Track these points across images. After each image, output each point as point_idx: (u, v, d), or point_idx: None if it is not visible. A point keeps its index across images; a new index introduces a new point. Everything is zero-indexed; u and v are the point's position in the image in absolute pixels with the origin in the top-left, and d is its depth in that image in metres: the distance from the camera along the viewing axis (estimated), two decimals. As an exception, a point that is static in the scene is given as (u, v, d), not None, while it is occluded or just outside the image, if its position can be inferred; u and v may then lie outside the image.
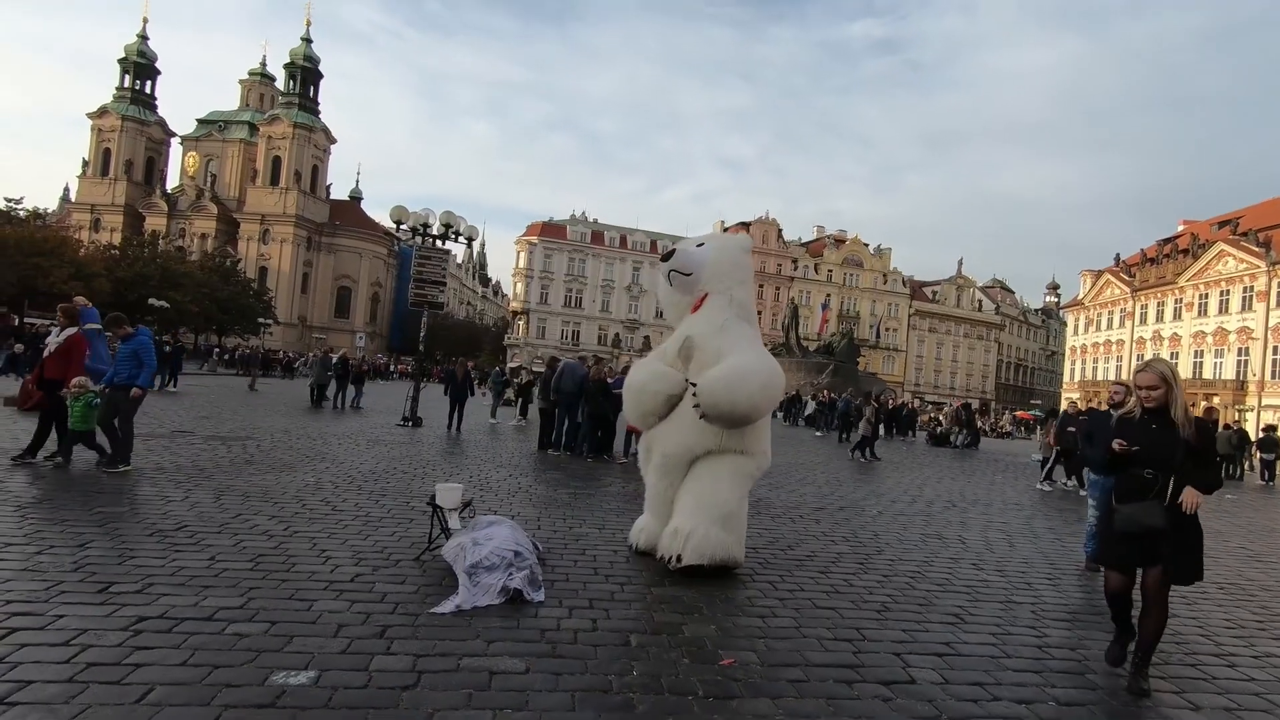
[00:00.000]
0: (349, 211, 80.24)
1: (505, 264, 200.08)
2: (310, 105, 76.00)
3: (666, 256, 5.51)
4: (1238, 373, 45.95)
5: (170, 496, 6.19)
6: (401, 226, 15.26)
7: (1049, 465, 13.52)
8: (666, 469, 5.27)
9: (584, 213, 79.65)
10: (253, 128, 75.76)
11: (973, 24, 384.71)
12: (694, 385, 4.99)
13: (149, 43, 76.28)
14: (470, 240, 16.18)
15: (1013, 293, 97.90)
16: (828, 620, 4.26)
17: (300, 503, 6.35)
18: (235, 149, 76.84)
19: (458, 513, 4.88)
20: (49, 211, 61.04)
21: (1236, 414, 43.52)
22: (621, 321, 76.42)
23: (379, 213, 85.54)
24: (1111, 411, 4.75)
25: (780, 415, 31.79)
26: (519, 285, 75.62)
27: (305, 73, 75.59)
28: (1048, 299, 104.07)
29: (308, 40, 76.15)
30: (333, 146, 78.80)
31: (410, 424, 15.11)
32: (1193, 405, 46.27)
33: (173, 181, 78.31)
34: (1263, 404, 43.48)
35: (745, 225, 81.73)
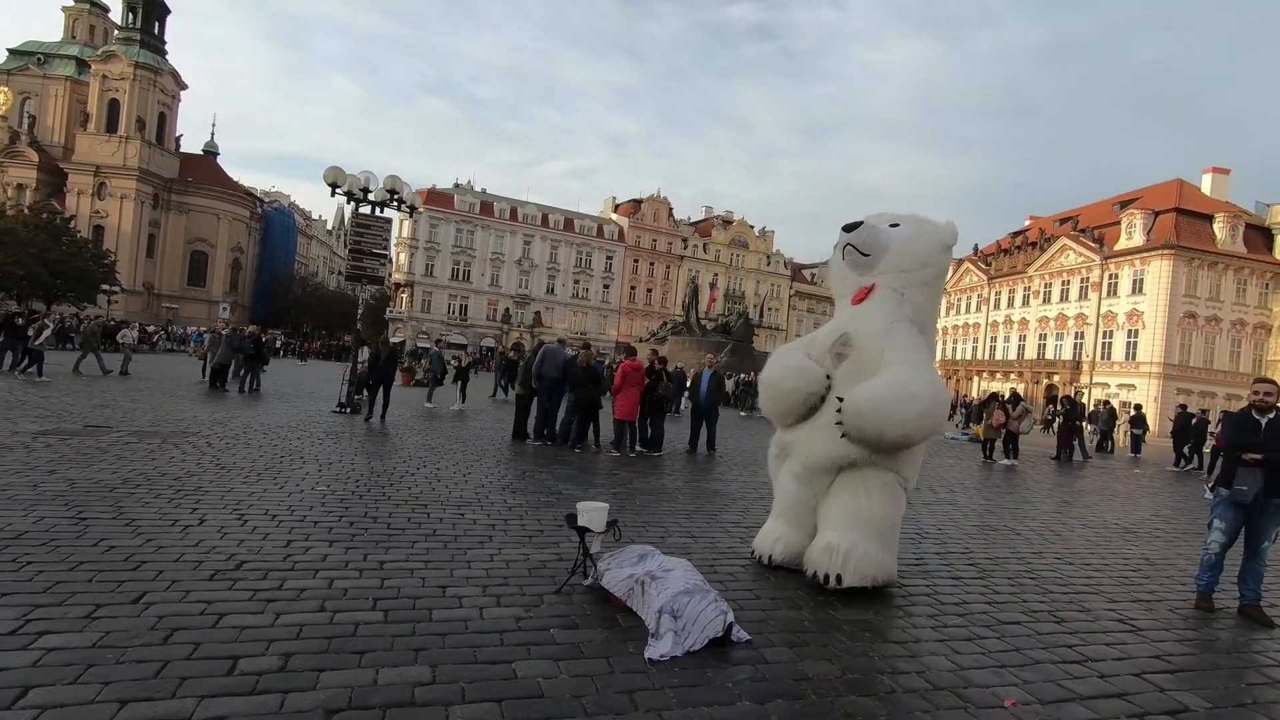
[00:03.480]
0: (204, 167, 71.71)
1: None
2: (155, 43, 66.65)
3: (850, 227, 4.90)
4: (1074, 354, 51.96)
5: (181, 519, 5.09)
6: (337, 190, 13.64)
7: (991, 446, 14.56)
8: (809, 477, 4.91)
9: (470, 181, 76.31)
10: (82, 64, 65.45)
11: (844, 18, 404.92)
12: (840, 399, 4.65)
13: (-60, -49, 63.69)
14: (414, 208, 14.78)
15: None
16: (1042, 640, 4.17)
17: (349, 524, 5.44)
18: (60, 87, 66.07)
19: (600, 536, 4.32)
20: None
21: (1073, 390, 49.29)
22: (512, 296, 74.25)
23: (237, 170, 77.21)
24: (1255, 416, 4.92)
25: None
26: (402, 256, 71.14)
27: (148, 5, 66.04)
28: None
29: (151, -33, 66.59)
30: (183, 93, 69.88)
31: (348, 411, 13.73)
32: (1036, 383, 51.76)
33: (-24, 120, 66.31)
34: (1094, 381, 49.52)
35: (638, 202, 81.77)
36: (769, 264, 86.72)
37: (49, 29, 69.54)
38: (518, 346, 16.52)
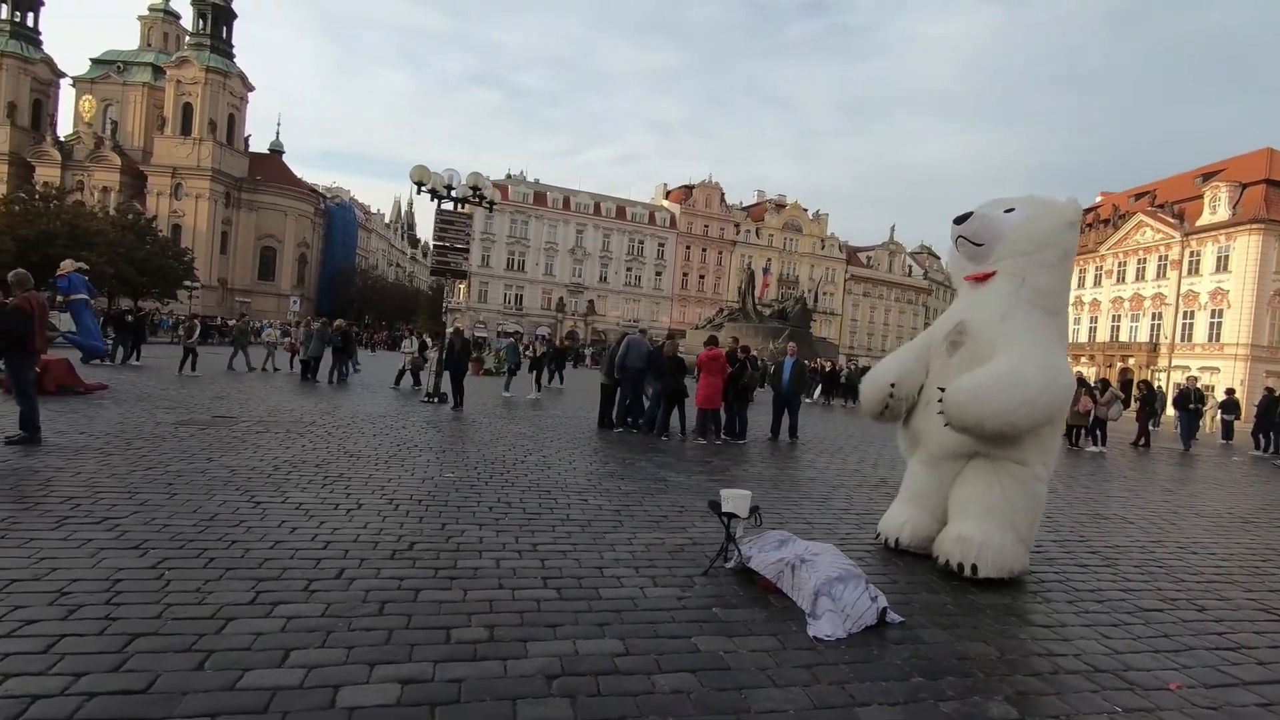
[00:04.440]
0: (271, 166, 74.56)
1: (432, 224, 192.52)
2: (223, 48, 69.46)
3: (961, 219, 4.96)
4: (1151, 336, 49.71)
5: (340, 503, 5.52)
6: (422, 188, 14.15)
7: (1077, 433, 14.23)
8: (936, 464, 5.03)
9: (522, 172, 77.19)
10: (158, 70, 68.72)
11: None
12: (941, 390, 4.75)
13: (28, -32, 67.55)
14: (492, 204, 15.21)
15: (939, 258, 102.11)
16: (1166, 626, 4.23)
17: (489, 509, 5.80)
18: (138, 94, 69.58)
19: (744, 521, 4.53)
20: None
21: (1150, 374, 47.22)
22: (565, 285, 75.11)
23: (300, 167, 79.97)
24: None
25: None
26: (432, 243, 72.49)
27: (216, 10, 68.79)
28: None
29: (218, -27, 69.30)
30: (249, 95, 72.67)
31: (437, 400, 14.30)
32: (1109, 367, 49.76)
33: (65, 128, 70.50)
34: (1173, 364, 47.33)
35: (689, 189, 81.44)
36: (823, 248, 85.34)
37: (127, 38, 72.89)
38: (572, 335, 16.86)
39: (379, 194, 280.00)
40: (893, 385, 5.12)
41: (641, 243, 78.04)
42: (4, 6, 66.54)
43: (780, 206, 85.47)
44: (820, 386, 25.78)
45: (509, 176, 75.91)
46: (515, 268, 73.40)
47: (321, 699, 2.68)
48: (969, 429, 4.55)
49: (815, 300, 79.13)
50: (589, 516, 5.73)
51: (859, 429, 16.05)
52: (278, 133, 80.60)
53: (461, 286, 73.09)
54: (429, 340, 30.45)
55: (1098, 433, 14.37)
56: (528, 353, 19.03)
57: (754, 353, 13.96)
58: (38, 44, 68.84)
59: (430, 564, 4.27)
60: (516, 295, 73.87)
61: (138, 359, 18.77)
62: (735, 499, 4.47)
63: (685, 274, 79.75)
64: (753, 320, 44.72)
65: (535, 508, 5.87)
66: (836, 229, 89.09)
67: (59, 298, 13.84)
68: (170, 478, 5.91)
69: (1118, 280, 52.84)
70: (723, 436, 11.37)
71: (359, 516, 5.20)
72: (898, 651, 3.51)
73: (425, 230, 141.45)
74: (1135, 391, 21.01)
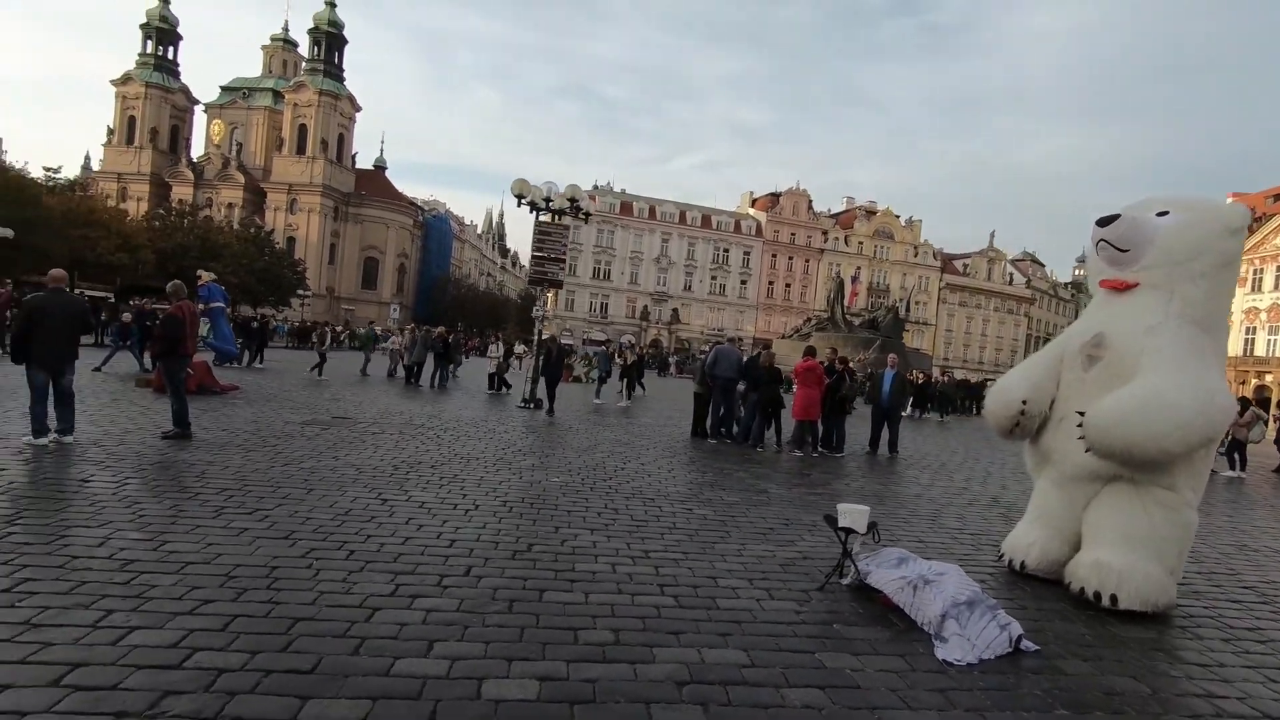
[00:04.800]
0: (375, 181, 79.00)
1: (522, 235, 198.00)
2: (335, 72, 74.30)
3: (1105, 221, 4.65)
4: (1293, 350, 45.14)
5: (458, 503, 5.77)
6: (522, 200, 14.65)
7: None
8: (1068, 485, 4.76)
9: (609, 183, 78.36)
10: (277, 95, 74.25)
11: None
12: (1080, 413, 4.47)
13: (170, 7, 74.50)
14: (588, 215, 15.57)
15: (1043, 266, 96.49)
16: (1335, 666, 3.83)
17: (597, 514, 5.92)
18: (260, 117, 75.39)
19: (861, 537, 4.44)
20: (75, 180, 60.24)
21: (1291, 392, 42.82)
22: (650, 294, 75.64)
23: (399, 181, 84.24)
24: None
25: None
26: (531, 254, 74.48)
27: (330, 38, 73.72)
28: (1078, 272, 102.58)
29: (331, 4, 74.16)
30: (357, 114, 77.35)
31: (532, 406, 14.70)
32: (1242, 383, 45.47)
33: (197, 150, 77.14)
34: (1319, 382, 42.77)
35: (775, 196, 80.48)
36: (916, 255, 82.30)
37: (251, 65, 79.25)
38: (656, 344, 16.95)
39: (472, 206, 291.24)
40: (1024, 403, 4.87)
41: (726, 251, 77.67)
42: (148, 42, 73.64)
43: (870, 213, 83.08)
44: (912, 399, 24.82)
45: (596, 187, 77.25)
46: (601, 276, 74.59)
47: (468, 690, 2.83)
48: (1114, 455, 4.28)
49: (907, 309, 76.28)
50: (695, 526, 5.75)
51: (960, 444, 15.38)
52: (381, 149, 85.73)
53: (549, 295, 75.08)
54: (520, 347, 31.46)
55: (1235, 455, 13.16)
56: (618, 360, 19.22)
57: (851, 364, 13.61)
58: (176, 74, 75.76)
59: (550, 566, 4.40)
60: (602, 304, 75.01)
61: (261, 362, 20.26)
62: (852, 514, 4.39)
63: (770, 283, 78.74)
64: (842, 330, 43.60)
65: (642, 515, 5.95)
66: (930, 235, 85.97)
67: (200, 305, 15.17)
68: (305, 474, 6.36)
69: (1253, 289, 48.33)
70: (819, 449, 11.15)
71: (477, 517, 5.42)
72: (1037, 681, 3.35)
73: (514, 241, 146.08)
74: (1275, 411, 19.12)
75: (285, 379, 16.71)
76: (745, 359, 11.81)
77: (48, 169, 42.62)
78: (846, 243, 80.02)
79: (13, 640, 2.89)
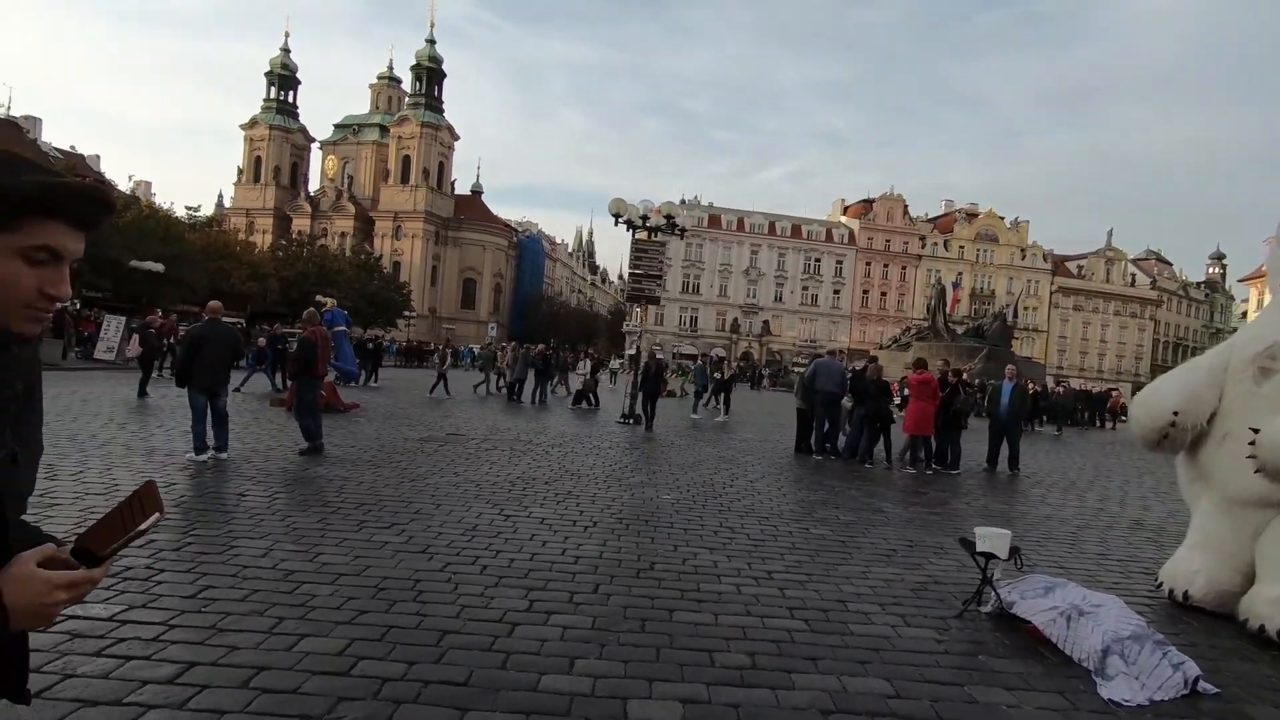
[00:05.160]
0: (472, 205, 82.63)
1: (611, 251, 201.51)
2: (435, 104, 78.54)
3: None
4: None
5: (576, 520, 5.90)
6: (619, 219, 14.92)
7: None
8: (1235, 510, 4.34)
9: (697, 197, 78.51)
10: (384, 129, 79.16)
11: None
12: (1254, 431, 4.04)
13: (290, 55, 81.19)
14: (683, 231, 15.68)
15: (1170, 265, 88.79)
16: None
17: (713, 532, 5.90)
18: (369, 150, 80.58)
19: (1002, 563, 4.20)
20: (212, 217, 66.36)
21: None
22: (739, 306, 75.06)
23: (495, 204, 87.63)
24: None
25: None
26: (628, 271, 75.37)
27: (430, 73, 78.11)
28: (1211, 271, 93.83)
29: (432, 41, 78.61)
30: (455, 143, 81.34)
31: (631, 421, 14.85)
32: None
33: (314, 184, 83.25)
34: None
35: (868, 202, 78.23)
36: (1024, 258, 77.71)
37: (360, 104, 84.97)
38: (746, 357, 16.72)
39: (562, 224, 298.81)
40: (1175, 414, 4.50)
41: (818, 260, 76.07)
42: (271, 88, 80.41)
43: (971, 215, 79.25)
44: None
45: (683, 201, 77.55)
46: (690, 290, 74.70)
47: (613, 709, 2.87)
48: None
49: (1015, 315, 72.06)
50: (814, 546, 5.62)
51: (1085, 460, 14.33)
52: (478, 175, 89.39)
53: (639, 310, 75.84)
54: (616, 361, 31.90)
55: None
56: (716, 374, 19.15)
57: (966, 376, 12.97)
58: (295, 116, 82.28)
59: (675, 585, 4.42)
60: (691, 317, 75.04)
61: (375, 381, 21.51)
62: (992, 538, 4.16)
63: (865, 291, 76.42)
64: (944, 339, 41.70)
65: (758, 534, 5.87)
66: (1039, 236, 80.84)
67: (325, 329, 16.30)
68: (431, 489, 6.68)
69: None
70: (933, 466, 10.67)
71: (596, 534, 5.52)
72: (1222, 728, 3.05)
73: (603, 258, 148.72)
74: None
75: (399, 397, 17.65)
76: (849, 372, 11.48)
77: (189, 208, 47.43)
78: (946, 247, 76.65)
79: (204, 644, 3.18)
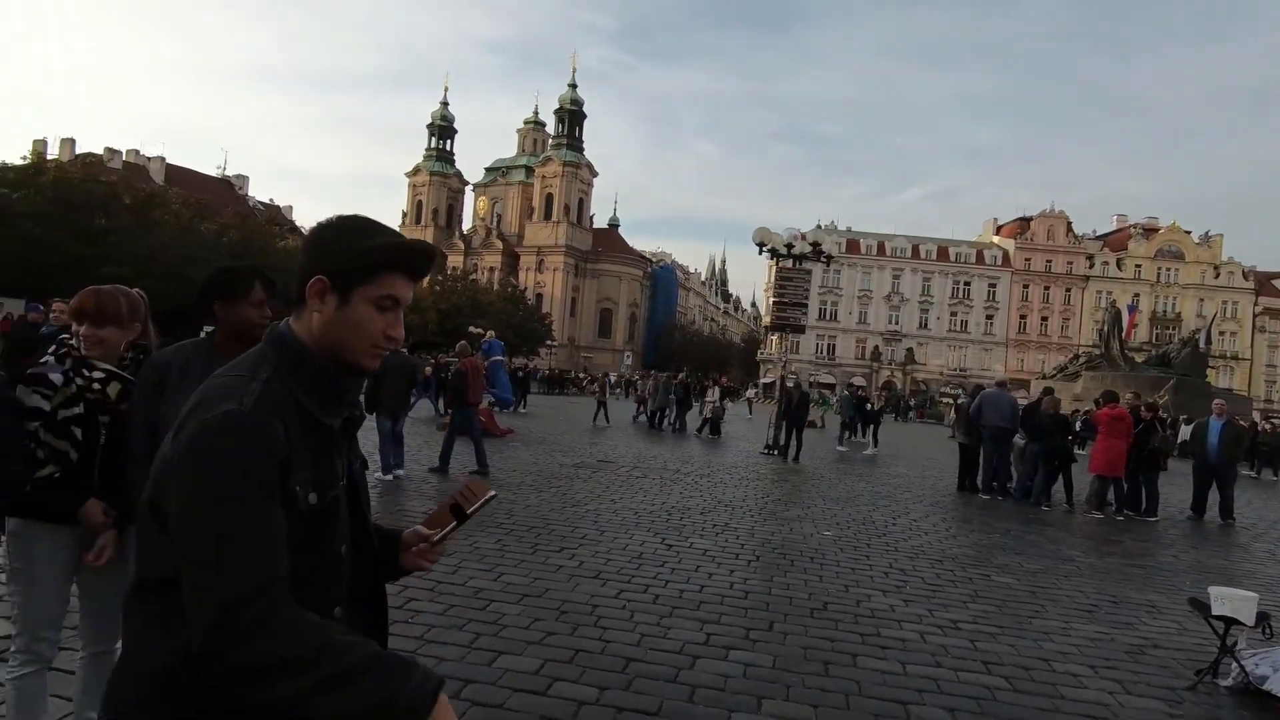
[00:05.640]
0: (610, 238, 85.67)
1: (743, 279, 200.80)
2: (576, 144, 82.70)
3: None
4: None
5: (739, 553, 5.83)
6: (764, 248, 14.84)
7: None
8: None
9: (834, 221, 76.47)
10: (529, 170, 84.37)
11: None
12: None
13: (448, 108, 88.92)
14: (829, 258, 15.32)
15: None
16: None
17: (884, 573, 5.62)
18: (515, 190, 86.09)
19: (1246, 630, 3.66)
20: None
21: None
22: (881, 333, 71.91)
23: (630, 236, 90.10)
24: None
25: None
26: (772, 299, 74.51)
27: (571, 115, 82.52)
28: None
29: (573, 86, 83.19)
30: (594, 179, 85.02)
31: (775, 453, 14.55)
32: None
33: (466, 223, 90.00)
34: None
35: (1025, 221, 72.65)
36: (1217, 275, 68.70)
37: (507, 147, 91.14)
38: (889, 386, 15.79)
39: (695, 254, 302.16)
40: None
41: (967, 284, 71.47)
42: (432, 138, 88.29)
43: (1150, 231, 71.31)
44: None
45: (819, 226, 75.87)
46: (828, 317, 72.58)
47: (810, 755, 2.78)
48: None
49: (1208, 341, 63.48)
50: (1001, 595, 5.19)
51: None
52: (615, 208, 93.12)
53: (774, 338, 74.68)
54: (751, 390, 31.56)
55: None
56: (866, 405, 18.39)
57: (1162, 411, 11.59)
58: (451, 162, 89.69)
59: (852, 628, 4.23)
60: (829, 345, 72.83)
61: (524, 407, 22.64)
62: (1234, 600, 3.64)
63: (1023, 316, 70.68)
64: (1121, 368, 37.47)
65: (933, 578, 5.52)
66: (1236, 252, 70.99)
67: (483, 359, 17.49)
68: (593, 515, 6.88)
69: None
70: (1125, 511, 9.55)
71: (761, 568, 5.43)
72: None
73: (736, 285, 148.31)
74: None
75: (548, 423, 18.45)
76: (1022, 405, 10.61)
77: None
78: (1119, 267, 69.43)
79: (415, 654, 3.44)
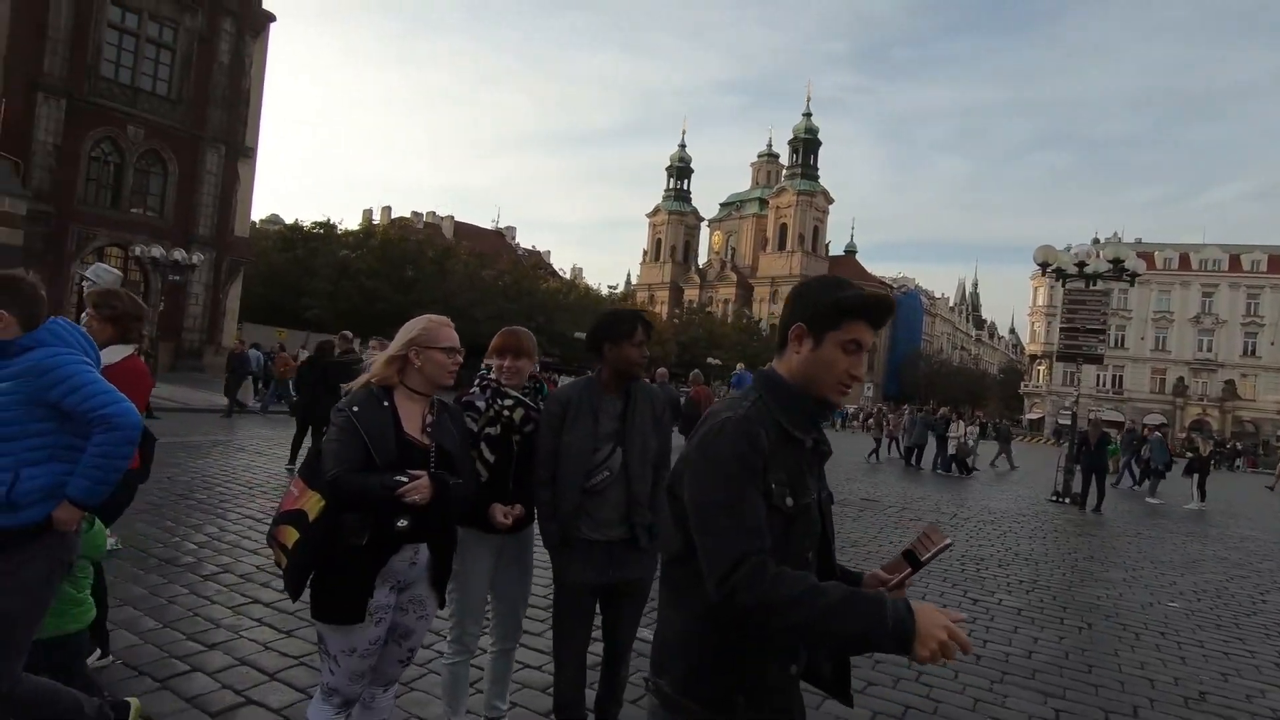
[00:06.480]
0: (846, 266, 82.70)
1: (997, 304, 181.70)
2: (811, 172, 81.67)
3: None
4: None
5: (1009, 617, 5.09)
6: (1047, 269, 13.19)
7: None
8: None
9: (1117, 234, 65.74)
10: (762, 203, 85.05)
11: None
12: None
13: (686, 149, 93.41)
14: (1135, 276, 13.14)
15: None
16: None
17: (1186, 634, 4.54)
18: (749, 223, 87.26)
19: None
20: (624, 293, 78.73)
21: None
22: (1186, 362, 59.88)
23: (869, 263, 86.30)
24: None
25: None
26: (1037, 325, 66.09)
27: (806, 144, 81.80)
28: None
29: (808, 115, 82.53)
30: (830, 206, 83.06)
31: (1066, 500, 12.66)
32: None
33: (701, 257, 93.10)
34: None
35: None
36: None
37: (741, 182, 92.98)
38: (1200, 426, 12.68)
39: (942, 278, 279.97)
40: None
41: (1314, 301, 56.81)
42: (670, 179, 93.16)
43: None
44: None
45: (1096, 241, 65.96)
46: (1112, 344, 62.17)
47: None
48: None
49: None
50: None
51: None
52: (852, 235, 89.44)
53: (1040, 368, 65.80)
54: (1000, 426, 27.98)
55: None
56: (1189, 452, 15.36)
57: None
58: (688, 200, 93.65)
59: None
60: (1114, 376, 62.36)
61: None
62: None
63: (1405, 339, 54.22)
64: None
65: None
66: None
67: (728, 388, 17.80)
68: (872, 557, 6.52)
69: None
70: None
71: (1097, 639, 4.69)
72: None
73: (990, 310, 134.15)
74: None
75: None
76: None
77: (610, 287, 56.94)
78: None
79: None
